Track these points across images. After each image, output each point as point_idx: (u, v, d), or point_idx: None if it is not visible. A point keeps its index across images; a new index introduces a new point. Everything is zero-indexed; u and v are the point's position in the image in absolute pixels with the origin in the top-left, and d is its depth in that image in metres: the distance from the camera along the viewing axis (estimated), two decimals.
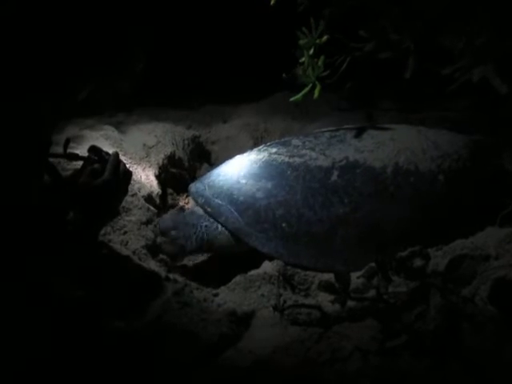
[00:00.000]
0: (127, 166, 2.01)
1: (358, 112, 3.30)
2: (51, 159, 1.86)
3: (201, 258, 2.49)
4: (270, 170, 2.40)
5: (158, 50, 3.56)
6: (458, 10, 2.08)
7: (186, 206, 2.77)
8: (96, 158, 1.93)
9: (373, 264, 1.85)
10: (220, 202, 2.37)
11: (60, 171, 1.89)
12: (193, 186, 2.54)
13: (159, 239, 2.41)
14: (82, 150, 2.59)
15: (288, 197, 2.32)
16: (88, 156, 1.95)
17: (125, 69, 1.76)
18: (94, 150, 1.96)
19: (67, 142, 1.95)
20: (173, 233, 2.38)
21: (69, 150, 1.97)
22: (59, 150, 1.95)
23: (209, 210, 2.41)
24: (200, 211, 2.42)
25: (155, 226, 2.49)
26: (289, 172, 2.37)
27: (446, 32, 2.15)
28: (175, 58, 3.70)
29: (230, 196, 2.37)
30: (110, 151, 1.98)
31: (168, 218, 2.45)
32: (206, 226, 2.38)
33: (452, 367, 1.55)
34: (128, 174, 1.98)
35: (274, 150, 2.49)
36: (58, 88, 1.66)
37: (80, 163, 1.99)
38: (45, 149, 1.75)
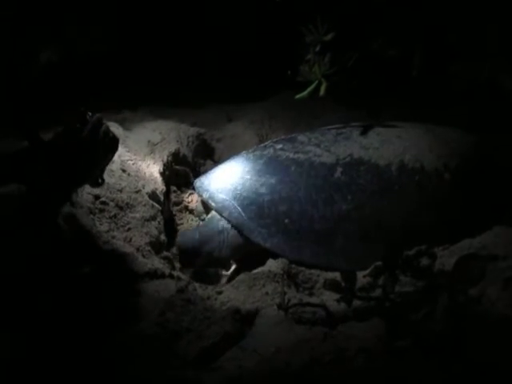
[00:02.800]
0: (114, 133, 1.92)
1: (364, 109, 3.27)
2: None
3: (230, 266, 2.40)
4: (274, 165, 2.40)
5: (162, 48, 3.58)
6: (467, 6, 2.05)
7: (191, 206, 2.75)
8: (78, 119, 1.84)
9: (379, 263, 1.83)
10: (224, 197, 2.38)
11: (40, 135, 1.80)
12: (198, 181, 2.55)
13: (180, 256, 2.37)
14: None
15: (291, 193, 2.31)
16: (70, 118, 1.85)
17: (98, 15, 1.69)
18: (79, 112, 1.86)
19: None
20: (196, 244, 2.35)
21: None
22: None
23: (213, 204, 2.42)
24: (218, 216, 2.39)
25: (159, 222, 2.48)
26: (293, 168, 2.36)
27: (454, 29, 2.13)
28: (180, 56, 3.69)
29: (234, 191, 2.38)
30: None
31: (188, 232, 2.43)
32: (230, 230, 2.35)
33: (460, 368, 1.52)
34: (113, 141, 1.90)
35: (280, 146, 2.48)
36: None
37: None
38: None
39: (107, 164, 1.98)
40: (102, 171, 1.97)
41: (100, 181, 1.97)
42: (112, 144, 1.92)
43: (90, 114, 1.88)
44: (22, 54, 1.63)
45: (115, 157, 2.62)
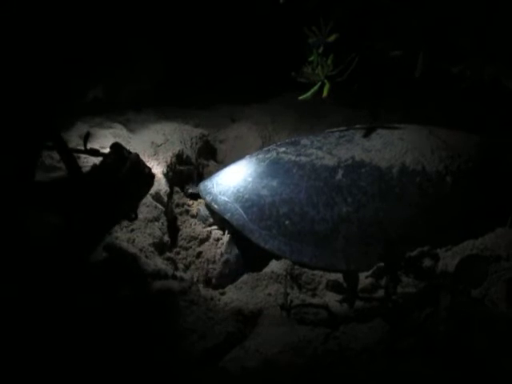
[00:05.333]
0: (151, 169, 1.98)
1: (366, 111, 3.28)
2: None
3: None
4: (276, 168, 2.41)
5: (165, 48, 3.59)
6: (470, 7, 2.05)
7: (191, 211, 2.76)
8: (117, 155, 1.89)
9: (381, 264, 1.83)
10: (226, 199, 2.41)
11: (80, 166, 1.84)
12: (202, 184, 2.58)
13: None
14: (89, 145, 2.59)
15: (292, 195, 2.33)
16: (108, 153, 1.91)
17: (146, 68, 1.78)
18: (115, 147, 1.92)
19: (87, 136, 1.92)
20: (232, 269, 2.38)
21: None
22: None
23: (215, 206, 2.44)
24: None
25: (162, 224, 2.49)
26: (294, 170, 2.38)
27: (457, 30, 2.13)
28: (184, 57, 3.70)
29: (236, 193, 2.41)
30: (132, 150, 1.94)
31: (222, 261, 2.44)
32: None
33: (463, 370, 1.52)
34: (149, 177, 1.96)
35: (283, 149, 2.50)
36: (62, 88, 1.66)
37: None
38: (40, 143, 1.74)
39: (142, 199, 2.02)
40: (136, 206, 2.00)
41: (133, 216, 2.00)
42: (148, 180, 1.96)
43: (128, 150, 1.93)
44: (71, 89, 1.71)
45: None
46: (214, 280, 2.39)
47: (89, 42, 1.58)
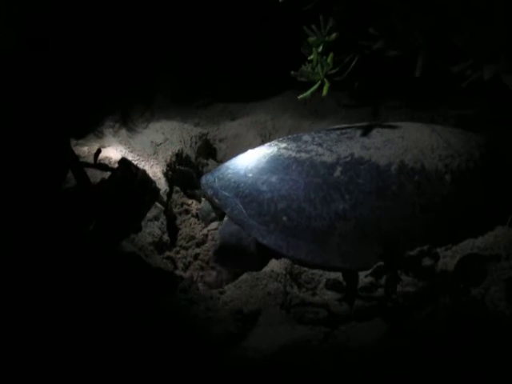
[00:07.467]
0: (156, 184, 2.06)
1: (366, 109, 3.28)
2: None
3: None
4: (276, 164, 2.42)
5: (165, 47, 3.58)
6: (469, 5, 2.05)
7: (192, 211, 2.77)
8: (125, 171, 1.96)
9: (381, 263, 1.83)
10: (227, 194, 2.42)
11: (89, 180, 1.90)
12: (203, 178, 2.61)
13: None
14: (89, 148, 2.60)
15: (290, 191, 2.34)
16: (117, 168, 1.97)
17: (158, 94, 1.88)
18: (123, 163, 1.97)
19: (98, 152, 1.99)
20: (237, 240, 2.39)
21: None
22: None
23: (216, 201, 2.46)
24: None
25: (162, 223, 2.49)
26: (294, 166, 2.39)
27: (456, 29, 2.12)
28: (183, 56, 3.69)
29: (236, 188, 2.42)
30: (140, 166, 2.01)
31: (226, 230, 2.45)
32: None
33: (463, 369, 1.52)
34: (155, 192, 2.03)
35: (284, 144, 2.51)
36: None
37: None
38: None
39: (147, 213, 2.10)
40: (141, 220, 2.07)
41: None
42: (153, 196, 2.04)
43: (136, 166, 1.99)
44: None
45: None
46: (213, 259, 2.39)
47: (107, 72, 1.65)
